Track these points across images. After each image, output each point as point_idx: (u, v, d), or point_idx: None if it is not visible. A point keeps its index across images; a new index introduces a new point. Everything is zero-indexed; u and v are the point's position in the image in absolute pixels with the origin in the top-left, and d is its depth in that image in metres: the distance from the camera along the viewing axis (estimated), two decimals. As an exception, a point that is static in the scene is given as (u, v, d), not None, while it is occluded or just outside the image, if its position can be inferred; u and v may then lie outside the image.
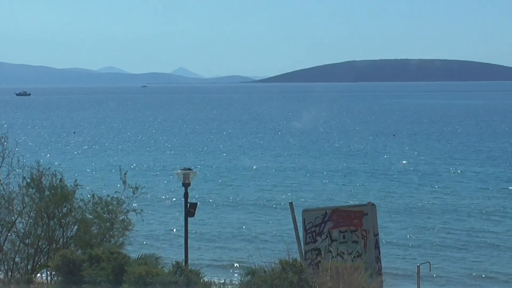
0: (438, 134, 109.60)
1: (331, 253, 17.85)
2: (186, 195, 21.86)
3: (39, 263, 21.29)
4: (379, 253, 18.29)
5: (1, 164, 22.13)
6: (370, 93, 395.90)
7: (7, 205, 21.55)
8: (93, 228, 21.41)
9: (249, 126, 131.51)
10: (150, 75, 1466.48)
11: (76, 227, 21.61)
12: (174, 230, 41.35)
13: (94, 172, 66.87)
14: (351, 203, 45.59)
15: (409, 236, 39.80)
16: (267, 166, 70.87)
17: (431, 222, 43.37)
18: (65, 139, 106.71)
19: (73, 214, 21.59)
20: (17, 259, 21.40)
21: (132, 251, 19.78)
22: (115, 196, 21.78)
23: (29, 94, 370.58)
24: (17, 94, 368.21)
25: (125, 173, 22.14)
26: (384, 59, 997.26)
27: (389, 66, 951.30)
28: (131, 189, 21.85)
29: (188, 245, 22.20)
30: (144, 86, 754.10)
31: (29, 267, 21.31)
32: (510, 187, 55.86)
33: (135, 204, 22.19)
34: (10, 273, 21.06)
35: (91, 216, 21.54)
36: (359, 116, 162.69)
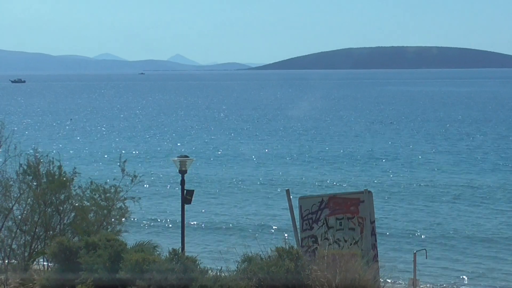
0: (436, 121, 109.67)
1: (328, 240, 17.87)
2: (182, 182, 21.87)
3: (36, 250, 21.30)
4: (376, 240, 18.32)
5: (-2, 151, 22.11)
6: (367, 81, 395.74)
7: (4, 192, 21.53)
8: (90, 215, 21.40)
9: (246, 114, 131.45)
10: (147, 62, 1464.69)
11: (73, 214, 21.60)
12: (171, 217, 41.38)
13: (90, 160, 66.84)
14: (348, 189, 45.68)
15: (406, 223, 39.88)
16: (264, 153, 70.90)
17: (428, 209, 43.46)
18: (61, 126, 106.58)
19: (70, 201, 21.58)
20: (14, 246, 21.39)
21: (129, 239, 19.77)
22: (113, 183, 21.76)
23: (24, 81, 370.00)
24: (12, 81, 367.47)
25: (124, 161, 22.11)
26: (381, 47, 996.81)
27: (386, 53, 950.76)
28: (130, 177, 21.84)
29: (185, 232, 22.23)
30: (141, 73, 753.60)
31: (26, 254, 21.32)
32: (507, 174, 56.01)
33: (133, 191, 22.18)
34: (7, 260, 21.07)
35: (88, 203, 21.54)
36: (356, 104, 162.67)
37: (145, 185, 44.18)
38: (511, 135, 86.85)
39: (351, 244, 17.91)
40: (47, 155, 22.06)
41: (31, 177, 21.62)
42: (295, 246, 17.15)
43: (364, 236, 18.01)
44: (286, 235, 29.41)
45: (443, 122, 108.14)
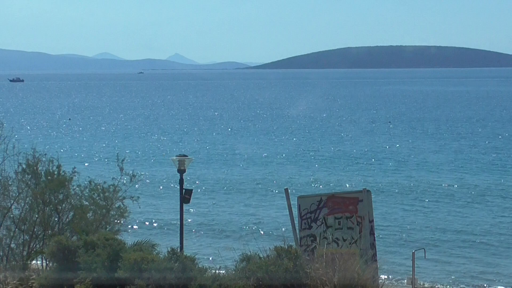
0: (434, 120, 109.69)
1: (327, 239, 17.87)
2: (181, 181, 21.85)
3: (35, 249, 21.28)
4: (374, 240, 18.32)
5: (-3, 150, 22.08)
6: (366, 80, 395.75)
7: (2, 191, 21.51)
8: (89, 214, 21.38)
9: (245, 113, 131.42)
10: (145, 62, 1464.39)
11: (72, 213, 21.58)
12: (170, 216, 41.36)
13: (89, 159, 66.82)
14: (347, 187, 45.70)
15: (404, 223, 39.89)
16: (262, 152, 70.88)
17: (427, 209, 43.48)
18: (59, 126, 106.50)
19: (69, 200, 21.56)
20: (12, 245, 21.37)
21: (128, 238, 19.76)
22: (112, 183, 21.74)
23: (23, 80, 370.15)
24: (10, 80, 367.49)
25: (122, 160, 22.09)
26: (379, 46, 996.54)
27: (385, 52, 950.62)
28: (128, 176, 21.82)
29: (184, 231, 22.22)
30: (140, 73, 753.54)
31: (25, 253, 21.29)
32: (505, 174, 56.06)
33: (131, 191, 22.17)
34: (5, 259, 21.05)
35: (87, 203, 21.52)
36: (354, 103, 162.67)
37: (143, 185, 44.16)
38: (508, 134, 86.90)
39: (350, 243, 17.91)
40: (45, 154, 22.05)
41: (30, 176, 21.61)
42: (294, 245, 17.14)
43: (363, 235, 18.00)
44: (284, 234, 29.37)
45: (441, 121, 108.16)
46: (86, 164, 61.08)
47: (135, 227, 35.77)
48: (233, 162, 64.26)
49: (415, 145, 76.14)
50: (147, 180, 50.00)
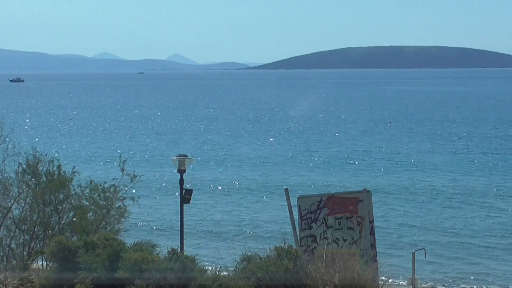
0: (433, 121, 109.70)
1: (327, 239, 17.87)
2: (181, 181, 21.85)
3: (35, 249, 21.29)
4: (374, 240, 18.32)
5: (-3, 150, 22.08)
6: (366, 80, 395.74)
7: (3, 191, 21.52)
8: (89, 214, 21.39)
9: (244, 113, 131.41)
10: (145, 62, 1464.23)
11: (72, 213, 21.59)
12: (170, 217, 41.37)
13: (89, 159, 66.80)
14: (347, 188, 45.68)
15: (405, 223, 39.89)
16: (263, 152, 70.88)
17: (427, 209, 43.48)
18: (60, 126, 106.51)
19: (69, 200, 21.57)
20: (12, 245, 21.38)
21: (128, 238, 19.76)
22: (112, 183, 21.75)
23: (23, 81, 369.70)
24: (10, 81, 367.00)
25: (124, 161, 22.09)
26: (380, 46, 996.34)
27: (385, 52, 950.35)
28: (129, 177, 21.83)
29: (184, 231, 22.22)
30: (141, 73, 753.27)
31: (25, 253, 21.30)
32: (504, 174, 56.06)
33: (132, 191, 22.17)
34: (5, 260, 21.05)
35: (87, 203, 21.53)
36: (354, 103, 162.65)
37: (142, 185, 44.11)
38: (507, 135, 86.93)
39: (350, 243, 17.92)
40: (45, 154, 22.05)
41: (30, 176, 21.62)
42: (294, 245, 17.15)
43: (363, 235, 18.01)
44: (285, 234, 29.39)
45: (440, 122, 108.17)
46: (86, 164, 61.05)
47: (135, 227, 35.75)
48: (231, 163, 64.24)
49: (416, 145, 76.12)
50: (147, 181, 49.95)
